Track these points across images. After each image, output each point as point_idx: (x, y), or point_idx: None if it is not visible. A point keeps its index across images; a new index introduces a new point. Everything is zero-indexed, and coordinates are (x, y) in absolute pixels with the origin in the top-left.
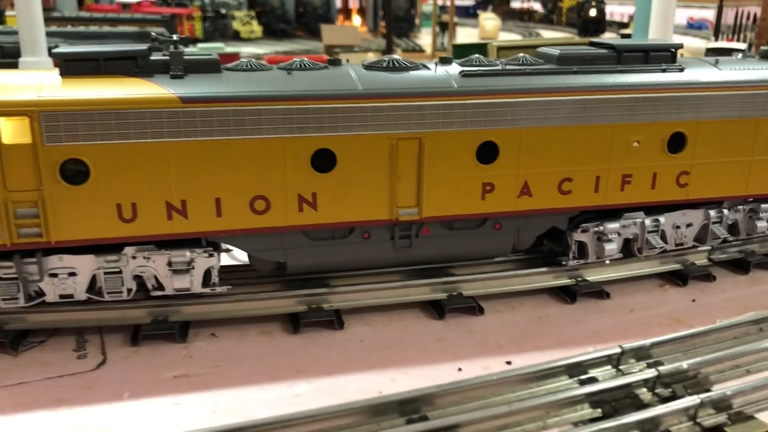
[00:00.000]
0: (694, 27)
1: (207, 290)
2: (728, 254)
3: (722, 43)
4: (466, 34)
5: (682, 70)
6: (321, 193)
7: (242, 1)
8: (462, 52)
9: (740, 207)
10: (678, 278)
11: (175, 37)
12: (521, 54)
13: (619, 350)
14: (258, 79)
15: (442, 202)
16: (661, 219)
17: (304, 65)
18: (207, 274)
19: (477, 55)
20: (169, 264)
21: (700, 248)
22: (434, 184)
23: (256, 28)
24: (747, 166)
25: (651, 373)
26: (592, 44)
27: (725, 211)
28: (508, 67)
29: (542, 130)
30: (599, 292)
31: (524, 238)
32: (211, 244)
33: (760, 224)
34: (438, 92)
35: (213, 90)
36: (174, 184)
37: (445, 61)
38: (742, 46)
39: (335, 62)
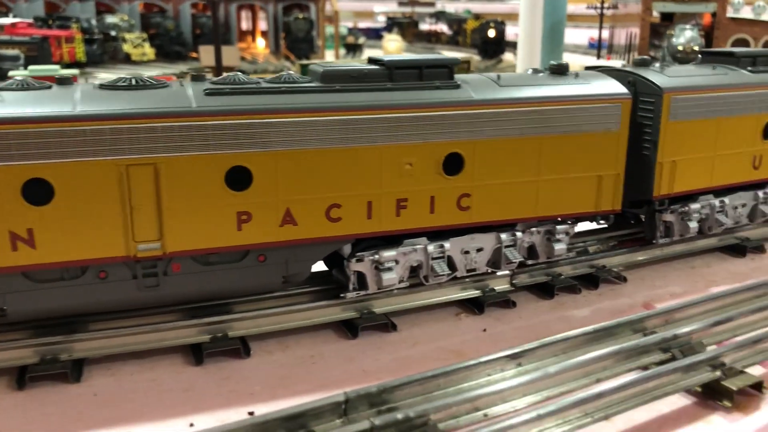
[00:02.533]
0: (594, 46)
1: None
2: (533, 278)
3: (601, 62)
4: (375, 55)
5: (458, 87)
6: (39, 229)
7: (134, 23)
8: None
9: (535, 229)
10: (476, 306)
11: None
12: (286, 72)
13: (343, 398)
14: None
15: (191, 234)
16: (446, 245)
17: (24, 85)
18: None
19: (236, 73)
20: None
21: (500, 273)
22: (179, 215)
23: (149, 50)
24: (534, 186)
25: (363, 425)
26: (369, 61)
27: (518, 234)
28: (264, 85)
29: (301, 153)
30: (388, 324)
31: (296, 270)
32: None
33: (558, 246)
34: (172, 113)
35: None
36: None
37: (198, 78)
38: (619, 64)
39: (64, 81)
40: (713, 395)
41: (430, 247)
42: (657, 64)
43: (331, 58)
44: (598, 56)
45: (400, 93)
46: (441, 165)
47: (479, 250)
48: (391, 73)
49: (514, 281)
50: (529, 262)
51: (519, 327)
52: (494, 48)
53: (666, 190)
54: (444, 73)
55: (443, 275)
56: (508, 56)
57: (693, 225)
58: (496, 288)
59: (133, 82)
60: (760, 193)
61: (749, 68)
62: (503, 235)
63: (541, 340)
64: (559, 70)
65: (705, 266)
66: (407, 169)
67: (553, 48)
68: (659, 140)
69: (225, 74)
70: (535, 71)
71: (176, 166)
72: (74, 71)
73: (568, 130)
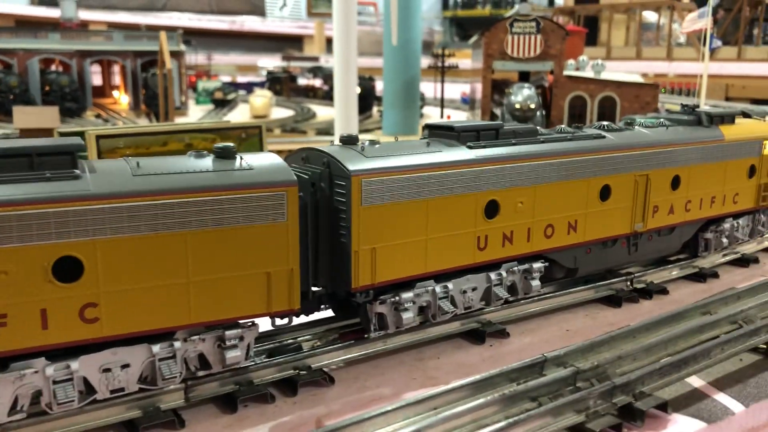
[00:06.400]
0: (465, 101)
1: None
2: (221, 387)
3: (442, 121)
4: (245, 111)
5: (76, 177)
6: None
7: None
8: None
9: (198, 337)
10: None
11: None
12: None
13: None
14: None
15: None
16: (74, 365)
17: None
18: None
19: None
20: None
21: (168, 388)
22: None
23: None
24: (183, 289)
25: None
26: None
27: (177, 344)
28: None
29: None
30: None
31: None
32: None
33: (231, 354)
34: None
35: None
36: None
37: None
38: (465, 118)
39: None
40: None
41: (50, 370)
42: (367, 142)
43: (200, 113)
44: (442, 114)
45: None
46: (50, 271)
47: (125, 366)
48: None
49: (190, 394)
50: (201, 373)
51: None
52: (362, 103)
53: (367, 281)
54: (64, 161)
55: (69, 401)
56: (375, 110)
57: (407, 315)
58: (163, 406)
59: None
60: (493, 275)
61: (469, 144)
62: (155, 348)
63: None
64: (225, 154)
65: (434, 357)
66: (2, 279)
67: (409, 104)
68: (353, 227)
69: None
70: (198, 155)
71: None
72: None
73: (220, 223)
